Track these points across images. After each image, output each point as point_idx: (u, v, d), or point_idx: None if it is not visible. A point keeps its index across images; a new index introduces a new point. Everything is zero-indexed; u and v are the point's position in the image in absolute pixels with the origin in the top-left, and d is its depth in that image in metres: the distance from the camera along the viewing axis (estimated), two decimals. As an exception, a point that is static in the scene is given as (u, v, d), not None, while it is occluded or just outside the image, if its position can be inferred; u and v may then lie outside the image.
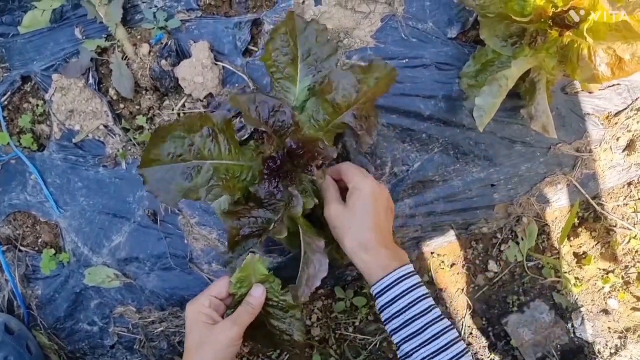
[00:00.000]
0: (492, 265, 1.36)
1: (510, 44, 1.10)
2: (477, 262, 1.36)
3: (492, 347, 1.35)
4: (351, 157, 1.18)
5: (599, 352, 1.35)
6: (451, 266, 1.36)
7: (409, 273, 0.94)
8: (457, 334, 0.92)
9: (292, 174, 1.01)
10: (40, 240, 1.27)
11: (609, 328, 1.36)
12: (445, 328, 0.91)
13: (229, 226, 1.00)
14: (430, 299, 0.94)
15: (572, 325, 1.35)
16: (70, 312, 1.27)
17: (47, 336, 1.27)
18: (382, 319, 0.96)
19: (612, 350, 1.35)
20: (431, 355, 0.89)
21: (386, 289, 0.93)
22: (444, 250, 1.35)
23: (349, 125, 1.05)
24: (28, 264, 1.26)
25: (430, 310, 0.92)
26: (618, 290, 1.36)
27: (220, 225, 1.20)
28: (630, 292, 1.36)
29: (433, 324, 0.91)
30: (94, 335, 1.27)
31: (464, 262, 1.36)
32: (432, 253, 1.35)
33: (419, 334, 0.90)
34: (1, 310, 1.28)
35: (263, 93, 1.12)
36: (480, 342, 1.36)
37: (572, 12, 1.00)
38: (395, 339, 0.93)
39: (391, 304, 0.93)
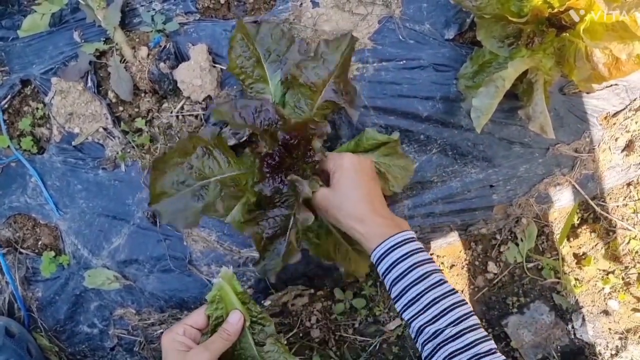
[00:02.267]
0: (492, 267, 1.35)
1: (507, 45, 1.10)
2: (477, 263, 1.36)
3: (492, 349, 1.35)
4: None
5: (599, 354, 1.34)
6: (451, 267, 1.36)
7: (407, 239, 0.91)
8: (460, 297, 0.88)
9: (295, 166, 1.02)
10: (40, 242, 1.28)
11: (609, 329, 1.35)
12: (446, 292, 0.87)
13: (252, 233, 1.00)
14: (431, 264, 0.90)
15: (573, 327, 1.34)
16: (71, 315, 1.27)
17: (48, 338, 1.28)
18: (387, 288, 0.93)
19: (613, 352, 1.34)
20: (429, 322, 0.86)
21: (384, 255, 0.91)
22: (444, 252, 1.35)
23: (332, 101, 1.07)
24: (28, 267, 1.27)
25: (429, 275, 0.88)
26: (618, 291, 1.36)
27: (220, 227, 1.21)
28: (631, 293, 1.35)
29: (432, 288, 0.87)
30: (94, 337, 1.28)
31: (463, 264, 1.36)
32: (431, 254, 1.35)
33: (418, 300, 0.87)
34: (2, 313, 1.28)
35: (242, 98, 1.13)
36: (480, 344, 1.35)
37: (572, 12, 1.00)
38: (398, 307, 0.90)
39: (390, 270, 0.90)
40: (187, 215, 0.99)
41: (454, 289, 0.89)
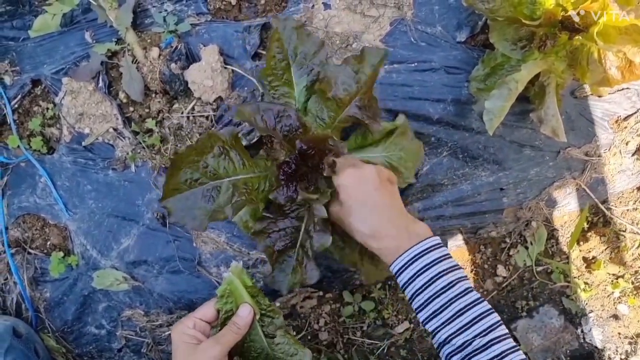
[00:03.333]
0: (501, 270, 1.35)
1: (520, 48, 1.10)
2: (486, 266, 1.36)
3: (501, 353, 1.34)
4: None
5: (609, 358, 1.34)
6: (460, 271, 1.35)
7: (426, 249, 0.89)
8: (487, 306, 0.86)
9: (309, 175, 1.00)
10: (49, 242, 1.28)
11: (619, 334, 1.35)
12: (473, 302, 0.85)
13: (263, 246, 1.00)
14: (454, 273, 0.88)
15: (582, 331, 1.34)
16: (79, 315, 1.27)
17: (55, 339, 1.27)
18: (407, 299, 0.92)
19: (623, 356, 1.34)
20: (456, 333, 0.84)
21: (402, 269, 0.89)
22: (453, 255, 1.33)
23: (355, 117, 1.04)
24: (37, 267, 1.26)
25: (454, 285, 0.86)
26: (628, 295, 1.35)
27: (229, 229, 1.20)
28: (641, 298, 1.35)
29: (458, 298, 0.85)
30: (102, 338, 1.27)
31: (472, 267, 1.36)
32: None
33: (443, 310, 0.85)
34: (9, 313, 1.28)
35: (265, 101, 1.11)
36: (489, 348, 1.35)
37: (572, 13, 1.00)
38: (420, 318, 0.89)
39: (410, 283, 0.89)
40: (195, 215, 0.96)
41: (480, 297, 0.87)
